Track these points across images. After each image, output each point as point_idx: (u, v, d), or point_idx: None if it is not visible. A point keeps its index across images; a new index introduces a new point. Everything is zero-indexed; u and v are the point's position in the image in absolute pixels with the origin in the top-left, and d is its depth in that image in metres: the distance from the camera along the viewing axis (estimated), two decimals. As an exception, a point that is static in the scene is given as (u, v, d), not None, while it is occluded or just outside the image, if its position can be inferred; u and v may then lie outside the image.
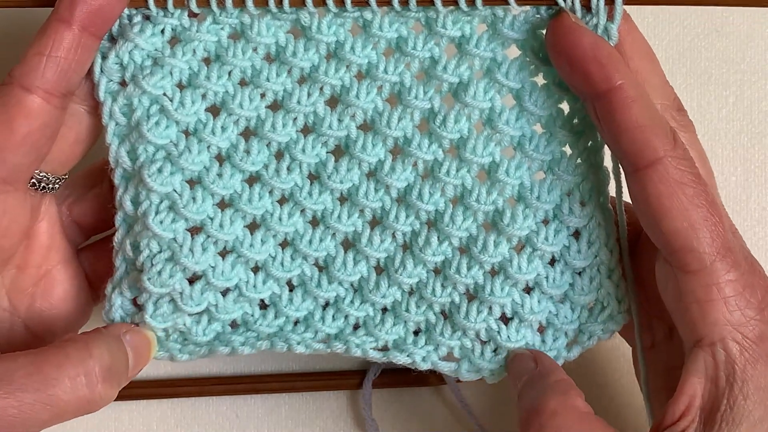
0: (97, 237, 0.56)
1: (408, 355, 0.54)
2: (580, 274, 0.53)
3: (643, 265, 0.53)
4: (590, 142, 0.52)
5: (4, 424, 0.45)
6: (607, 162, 0.53)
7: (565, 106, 0.52)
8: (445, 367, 0.54)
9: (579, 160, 0.52)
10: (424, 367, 0.54)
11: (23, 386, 0.45)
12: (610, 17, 0.49)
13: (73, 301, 0.54)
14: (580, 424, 0.48)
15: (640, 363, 0.54)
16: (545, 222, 0.52)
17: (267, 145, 0.52)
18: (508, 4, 0.49)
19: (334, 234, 0.53)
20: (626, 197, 0.51)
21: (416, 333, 0.54)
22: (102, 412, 0.64)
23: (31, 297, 0.53)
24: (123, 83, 0.51)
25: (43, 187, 0.51)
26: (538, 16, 0.50)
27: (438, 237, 0.52)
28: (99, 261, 0.55)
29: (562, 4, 0.49)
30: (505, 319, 0.53)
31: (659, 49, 0.67)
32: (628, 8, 0.50)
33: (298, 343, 0.53)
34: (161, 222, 0.51)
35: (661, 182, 0.47)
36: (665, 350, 0.53)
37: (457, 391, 0.63)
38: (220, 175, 0.52)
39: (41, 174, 0.51)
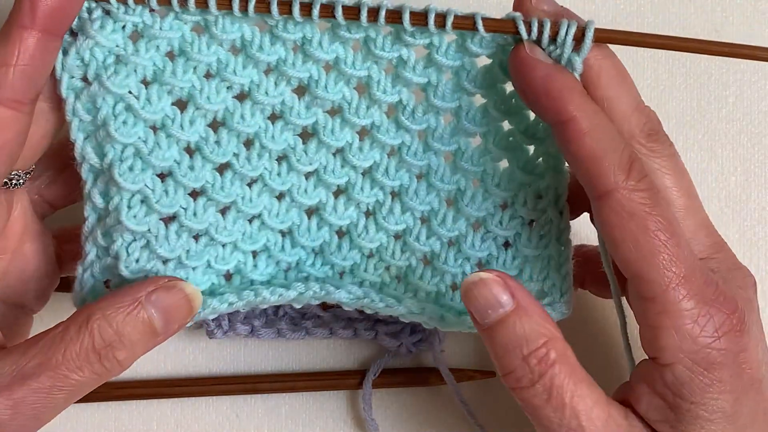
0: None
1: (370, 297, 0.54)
2: (530, 263, 0.54)
3: None
4: (551, 149, 0.53)
5: (27, 412, 0.46)
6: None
7: (531, 112, 0.53)
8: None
9: (540, 160, 0.53)
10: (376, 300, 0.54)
11: (34, 375, 0.46)
12: (577, 48, 0.49)
13: (45, 268, 0.54)
14: (573, 375, 0.48)
15: (628, 361, 0.54)
16: (503, 207, 0.54)
17: (236, 136, 0.52)
18: (476, 29, 0.49)
19: (299, 205, 0.54)
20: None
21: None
22: (102, 411, 0.65)
23: (4, 276, 0.53)
24: (85, 79, 0.50)
25: (14, 183, 0.52)
26: (504, 38, 0.50)
27: (401, 208, 0.54)
28: (68, 228, 0.56)
29: (525, 35, 0.49)
30: (454, 287, 0.55)
31: (659, 49, 0.67)
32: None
33: (271, 293, 0.53)
34: (135, 216, 0.51)
35: (613, 213, 0.47)
36: None
37: (457, 391, 0.63)
38: (191, 168, 0.52)
39: (12, 173, 0.51)
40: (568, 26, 0.48)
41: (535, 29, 0.49)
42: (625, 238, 0.47)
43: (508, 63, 0.49)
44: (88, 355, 0.47)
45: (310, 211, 0.55)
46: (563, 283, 0.54)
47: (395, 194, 0.54)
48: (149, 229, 0.51)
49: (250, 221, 0.54)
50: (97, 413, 0.65)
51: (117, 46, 0.50)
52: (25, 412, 0.46)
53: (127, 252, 0.51)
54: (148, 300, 0.49)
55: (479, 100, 0.53)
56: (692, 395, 0.47)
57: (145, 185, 0.51)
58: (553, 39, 0.49)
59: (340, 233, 0.55)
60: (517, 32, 0.49)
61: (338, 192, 0.54)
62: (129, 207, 0.51)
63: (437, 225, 0.54)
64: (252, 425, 0.65)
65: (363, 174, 0.54)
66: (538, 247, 0.54)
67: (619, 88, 0.50)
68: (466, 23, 0.50)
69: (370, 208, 0.54)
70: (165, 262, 0.52)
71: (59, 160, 0.54)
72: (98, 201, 0.51)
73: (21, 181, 0.52)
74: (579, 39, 0.49)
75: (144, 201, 0.51)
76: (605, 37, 0.49)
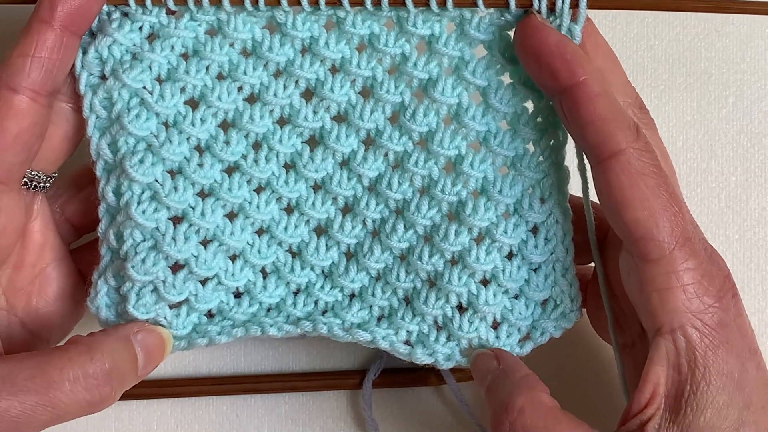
0: (92, 235, 0.56)
1: (369, 333, 0.55)
2: (536, 270, 0.55)
3: (610, 264, 0.54)
4: (552, 141, 0.54)
5: (7, 424, 0.46)
6: (572, 160, 0.54)
7: (530, 105, 0.54)
8: (402, 348, 0.56)
9: (541, 158, 0.54)
10: (383, 345, 0.56)
11: (25, 388, 0.46)
12: (574, 19, 0.51)
13: (69, 297, 0.55)
14: (547, 418, 0.49)
15: (615, 358, 0.55)
16: (506, 215, 0.54)
17: (245, 136, 0.54)
18: (476, 5, 0.51)
19: (308, 221, 0.55)
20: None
21: (379, 319, 0.57)
22: (102, 411, 0.64)
23: (27, 295, 0.53)
24: (103, 77, 0.52)
25: (35, 185, 0.52)
26: (503, 18, 0.52)
27: (404, 225, 0.55)
28: (93, 258, 0.55)
29: (536, 4, 0.51)
30: (461, 309, 0.55)
31: (659, 49, 0.67)
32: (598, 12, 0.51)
33: (271, 326, 0.55)
34: (143, 212, 0.52)
35: (623, 173, 0.48)
36: (641, 348, 0.53)
37: (457, 391, 0.63)
38: (200, 165, 0.53)
39: (32, 173, 0.52)
40: None
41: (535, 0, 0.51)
42: (635, 197, 0.48)
43: (517, 33, 0.51)
44: (88, 380, 0.48)
45: (319, 231, 0.56)
46: (571, 288, 0.55)
47: (399, 211, 0.55)
48: (157, 227, 0.53)
49: (259, 234, 0.55)
50: (97, 413, 0.65)
51: (134, 45, 0.52)
52: (2, 424, 0.46)
53: (135, 251, 0.52)
54: (135, 338, 0.51)
55: (478, 98, 0.54)
56: (705, 357, 0.48)
57: (155, 180, 0.52)
58: (551, 10, 0.51)
59: (348, 255, 0.56)
60: (520, 5, 0.51)
61: (345, 209, 0.55)
62: (139, 202, 0.52)
63: (440, 240, 0.54)
64: (252, 425, 0.65)
65: (369, 189, 0.55)
66: (544, 253, 0.54)
67: (611, 61, 0.52)
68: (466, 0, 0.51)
69: (376, 226, 0.55)
70: (174, 271, 0.53)
71: (81, 178, 0.55)
72: (111, 198, 0.53)
73: (42, 184, 0.53)
74: (573, 7, 0.51)
75: (154, 197, 0.52)
76: (598, 3, 0.51)
